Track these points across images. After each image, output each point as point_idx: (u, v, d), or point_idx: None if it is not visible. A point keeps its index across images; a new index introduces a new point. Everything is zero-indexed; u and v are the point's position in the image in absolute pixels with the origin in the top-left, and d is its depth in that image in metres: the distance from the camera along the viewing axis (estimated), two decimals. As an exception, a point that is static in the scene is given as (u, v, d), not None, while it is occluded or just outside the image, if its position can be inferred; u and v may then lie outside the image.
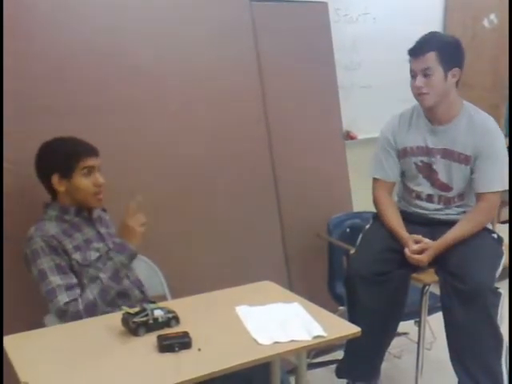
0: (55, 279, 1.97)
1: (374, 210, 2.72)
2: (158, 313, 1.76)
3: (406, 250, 2.46)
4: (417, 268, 2.51)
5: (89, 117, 2.44)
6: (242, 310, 1.89)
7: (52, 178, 2.08)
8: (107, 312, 1.98)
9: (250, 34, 2.94)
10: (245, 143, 2.91)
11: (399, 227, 2.54)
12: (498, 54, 4.23)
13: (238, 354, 1.64)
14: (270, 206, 3.02)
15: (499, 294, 2.34)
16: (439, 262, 2.46)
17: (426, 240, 2.46)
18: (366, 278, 2.44)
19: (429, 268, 2.52)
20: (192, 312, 1.87)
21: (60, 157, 2.08)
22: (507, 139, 2.77)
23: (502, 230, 3.15)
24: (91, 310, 1.96)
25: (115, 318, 1.79)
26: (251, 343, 1.69)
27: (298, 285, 2.96)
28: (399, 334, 2.95)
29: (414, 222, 2.62)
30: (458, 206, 2.61)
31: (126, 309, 1.77)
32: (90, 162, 2.09)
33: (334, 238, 3.00)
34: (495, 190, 2.48)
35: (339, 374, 2.68)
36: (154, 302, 1.88)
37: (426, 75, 2.42)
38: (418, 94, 2.47)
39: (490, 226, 2.61)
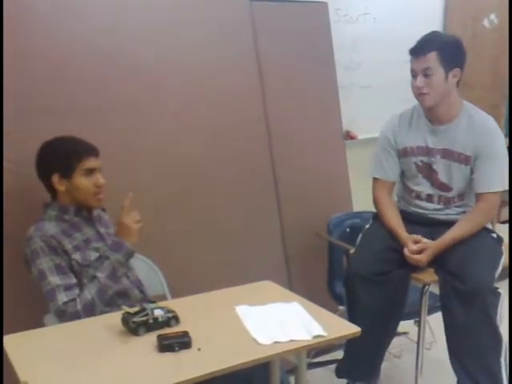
0: (54, 279, 1.97)
1: (373, 209, 2.73)
2: (157, 312, 1.76)
3: (405, 250, 2.46)
4: (416, 268, 2.51)
5: (89, 117, 2.44)
6: (242, 310, 1.89)
7: (52, 178, 2.08)
8: (106, 312, 1.98)
9: (250, 33, 2.94)
10: (245, 143, 2.91)
11: (399, 227, 2.54)
12: (498, 54, 4.23)
13: (237, 354, 1.64)
14: (270, 205, 3.02)
15: (498, 294, 2.34)
16: (439, 261, 2.46)
17: (425, 240, 2.47)
18: (365, 277, 2.44)
19: (428, 268, 2.52)
20: (192, 312, 1.87)
21: (60, 156, 2.08)
22: (507, 139, 2.76)
23: (502, 230, 3.15)
24: (89, 310, 1.96)
25: (115, 318, 1.79)
26: (251, 343, 1.69)
27: (298, 284, 2.97)
28: (399, 334, 2.95)
29: (414, 221, 2.62)
30: (457, 206, 2.61)
31: (125, 308, 1.77)
32: (91, 162, 2.09)
33: (333, 238, 3.00)
34: (495, 190, 2.48)
35: (339, 373, 2.68)
36: (153, 302, 1.88)
37: (426, 75, 2.42)
38: (419, 94, 2.47)
39: (489, 226, 2.61)
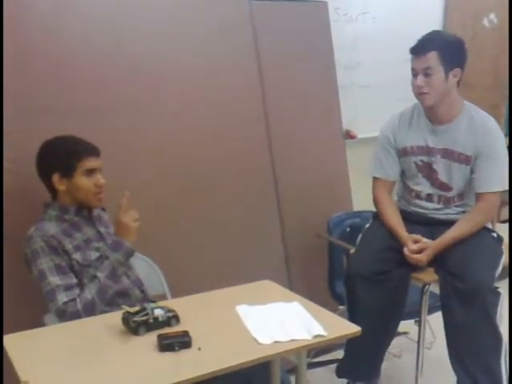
0: (54, 280, 1.97)
1: (373, 209, 2.73)
2: (158, 312, 1.76)
3: (405, 250, 2.46)
4: (417, 267, 2.51)
5: (89, 117, 2.44)
6: (242, 310, 1.89)
7: (53, 177, 2.08)
8: (107, 311, 1.98)
9: (250, 33, 2.94)
10: (245, 143, 2.91)
11: (399, 227, 2.54)
12: (498, 54, 4.23)
13: (237, 354, 1.64)
14: (270, 205, 3.02)
15: (498, 294, 2.34)
16: (439, 261, 2.46)
17: (425, 240, 2.47)
18: (366, 277, 2.44)
19: (428, 267, 2.52)
20: (192, 311, 1.87)
21: (61, 156, 2.08)
22: (507, 139, 2.76)
23: (502, 230, 3.15)
24: (90, 310, 1.96)
25: (115, 318, 1.79)
26: (251, 342, 1.69)
27: (298, 284, 2.97)
28: (399, 334, 2.95)
29: (414, 221, 2.62)
30: (457, 206, 2.61)
31: (126, 308, 1.77)
32: (92, 162, 2.09)
33: (334, 238, 3.00)
34: (495, 190, 2.48)
35: (339, 373, 2.68)
36: (154, 302, 1.88)
37: (426, 74, 2.42)
38: (419, 94, 2.47)
39: (489, 226, 2.61)
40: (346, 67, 3.57)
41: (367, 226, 2.73)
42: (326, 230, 3.04)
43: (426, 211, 2.64)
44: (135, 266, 2.27)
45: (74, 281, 2.01)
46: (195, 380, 1.53)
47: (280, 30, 3.06)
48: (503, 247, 2.56)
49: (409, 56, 2.47)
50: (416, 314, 2.67)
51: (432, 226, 2.58)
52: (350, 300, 2.53)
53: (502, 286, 2.39)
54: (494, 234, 2.57)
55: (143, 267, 2.38)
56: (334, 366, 2.76)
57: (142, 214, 2.41)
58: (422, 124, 2.59)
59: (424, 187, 2.62)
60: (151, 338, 1.68)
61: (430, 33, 2.48)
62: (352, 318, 2.32)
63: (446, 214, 2.61)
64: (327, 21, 3.26)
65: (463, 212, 2.59)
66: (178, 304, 1.88)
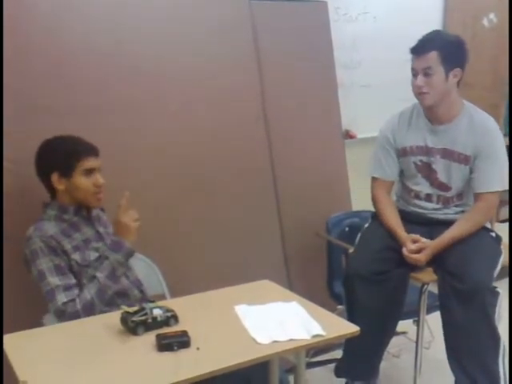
0: (54, 280, 1.98)
1: (372, 209, 2.73)
2: (156, 312, 1.76)
3: (404, 250, 2.46)
4: (415, 267, 2.51)
5: (89, 117, 2.45)
6: (241, 309, 1.90)
7: (52, 177, 2.08)
8: (106, 311, 1.99)
9: (250, 33, 2.94)
10: (244, 143, 2.91)
11: (397, 226, 2.55)
12: (498, 54, 4.23)
13: (236, 353, 1.64)
14: (270, 205, 3.02)
15: (497, 294, 2.35)
16: (438, 261, 2.47)
17: (424, 239, 2.47)
18: (364, 277, 2.44)
19: (427, 267, 2.53)
20: (191, 311, 1.87)
21: (60, 155, 2.08)
22: (507, 139, 2.77)
23: (502, 230, 3.15)
24: (89, 310, 1.97)
25: (114, 317, 1.79)
26: (250, 342, 1.70)
27: (297, 284, 2.97)
28: (398, 334, 2.95)
29: (413, 221, 2.62)
30: (456, 206, 2.61)
31: (124, 308, 1.77)
32: (91, 162, 2.09)
33: (333, 237, 3.01)
34: (494, 190, 2.49)
35: (338, 373, 2.68)
36: (152, 301, 1.89)
37: (426, 74, 2.42)
38: (419, 93, 2.47)
39: (488, 225, 2.61)
40: (346, 67, 3.57)
41: (366, 225, 2.74)
42: (325, 230, 3.05)
43: (425, 211, 2.64)
44: (134, 265, 2.28)
45: (73, 281, 2.02)
46: (194, 380, 1.53)
47: (280, 29, 3.06)
48: (502, 247, 2.56)
49: (409, 56, 2.47)
50: (415, 314, 2.67)
51: (431, 226, 2.59)
52: (349, 300, 2.54)
53: (501, 286, 2.40)
54: (493, 234, 2.57)
55: (142, 267, 2.38)
56: (332, 365, 2.76)
57: (141, 214, 2.41)
58: (421, 124, 2.59)
59: (423, 187, 2.63)
60: (150, 337, 1.69)
61: (431, 33, 2.48)
62: (351, 318, 2.33)
63: (445, 213, 2.61)
64: (327, 21, 3.26)
65: (462, 212, 2.59)
66: (176, 304, 1.89)
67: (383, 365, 2.71)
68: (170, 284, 2.43)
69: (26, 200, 2.27)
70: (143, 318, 1.74)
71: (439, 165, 2.57)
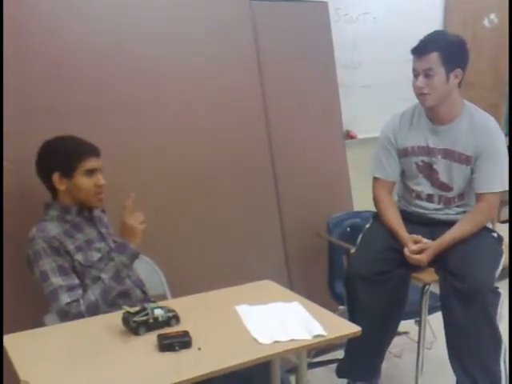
0: (57, 280, 1.97)
1: (374, 209, 2.72)
2: (158, 312, 1.76)
3: (406, 250, 2.46)
4: (417, 267, 2.50)
5: (89, 117, 2.44)
6: (242, 309, 1.89)
7: (53, 177, 2.07)
8: (108, 312, 1.98)
9: (250, 33, 2.94)
10: (245, 143, 2.91)
11: (399, 227, 2.54)
12: (498, 54, 4.24)
13: (238, 354, 1.64)
14: (270, 205, 3.02)
15: (499, 294, 2.34)
16: (439, 261, 2.46)
17: (425, 240, 2.46)
18: (366, 277, 2.44)
19: (429, 267, 2.52)
20: (192, 311, 1.87)
21: (61, 155, 2.07)
22: (507, 138, 2.76)
23: (502, 230, 3.14)
24: (93, 311, 1.96)
25: (115, 318, 1.79)
26: (251, 342, 1.69)
27: (298, 284, 2.97)
28: (399, 334, 2.94)
29: (414, 221, 2.61)
30: (458, 206, 2.60)
31: (126, 308, 1.77)
32: (92, 162, 2.09)
33: (334, 238, 3.00)
34: (495, 190, 2.48)
35: (340, 373, 2.68)
36: (154, 302, 1.88)
37: (427, 75, 2.41)
38: (419, 94, 2.47)
39: (490, 226, 2.61)
40: (347, 67, 3.57)
41: (367, 226, 2.73)
42: (326, 230, 3.04)
43: (427, 211, 2.64)
44: (136, 266, 2.27)
45: (77, 281, 2.01)
46: (195, 380, 1.53)
47: (280, 30, 3.06)
48: (503, 247, 2.56)
49: (409, 56, 2.47)
50: (416, 314, 2.67)
51: (432, 227, 2.58)
52: (350, 300, 2.53)
53: (502, 287, 2.39)
54: (495, 234, 2.57)
55: (143, 267, 2.38)
56: (334, 365, 2.75)
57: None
58: (422, 124, 2.59)
59: (424, 187, 2.62)
60: (151, 337, 1.68)
61: (432, 33, 2.47)
62: (352, 318, 2.32)
63: (447, 214, 2.61)
64: (327, 21, 3.26)
65: (464, 212, 2.59)
66: (178, 304, 1.88)
67: (385, 365, 2.71)
68: (170, 284, 2.42)
69: (26, 200, 2.27)
70: (145, 318, 1.73)
71: (440, 165, 2.56)
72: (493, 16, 4.20)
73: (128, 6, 2.59)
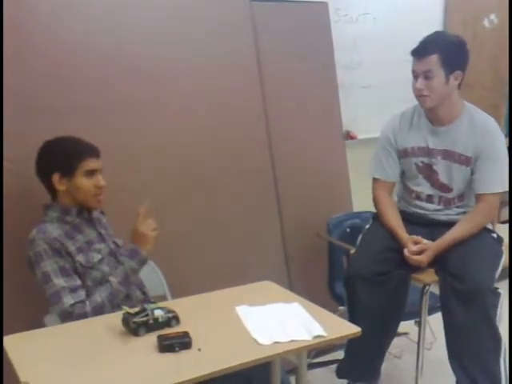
0: (59, 282, 1.96)
1: (373, 209, 2.72)
2: (158, 313, 1.76)
3: (405, 251, 2.46)
4: (417, 268, 2.50)
5: (89, 117, 2.44)
6: (242, 310, 1.89)
7: (52, 177, 2.07)
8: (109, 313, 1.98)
9: (250, 33, 2.94)
10: (245, 143, 2.91)
11: (399, 227, 2.54)
12: (498, 54, 4.24)
13: (238, 354, 1.64)
14: (270, 205, 3.02)
15: (498, 294, 2.34)
16: (439, 261, 2.46)
17: (425, 241, 2.46)
18: (365, 277, 2.44)
19: (429, 268, 2.52)
20: (192, 312, 1.87)
21: (62, 155, 2.07)
22: (507, 139, 2.76)
23: (502, 230, 3.14)
24: (98, 313, 1.95)
25: (115, 318, 1.79)
26: (251, 343, 1.69)
27: (298, 285, 2.97)
28: (399, 334, 2.95)
29: (414, 222, 2.62)
30: (458, 207, 2.60)
31: (126, 309, 1.76)
32: (92, 163, 2.09)
33: (333, 238, 3.00)
34: (495, 191, 2.48)
35: (340, 374, 2.68)
36: (154, 302, 1.88)
37: (427, 77, 2.41)
38: (419, 96, 2.47)
39: (490, 226, 2.60)
40: (347, 67, 3.57)
41: (367, 226, 2.73)
42: (326, 231, 3.04)
43: (427, 212, 2.63)
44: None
45: (79, 282, 2.01)
46: (195, 381, 1.53)
47: (280, 30, 3.06)
48: (503, 248, 2.56)
49: (409, 56, 2.46)
50: (416, 315, 2.67)
51: (432, 227, 2.58)
52: (350, 301, 2.53)
53: (502, 287, 2.39)
54: (494, 235, 2.57)
55: (143, 268, 2.36)
56: (334, 366, 2.76)
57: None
58: (422, 125, 2.59)
59: (424, 188, 2.62)
60: (151, 338, 1.68)
61: (432, 34, 2.46)
62: (352, 319, 2.32)
63: (447, 214, 2.61)
64: (327, 21, 3.26)
65: (464, 213, 2.59)
66: (178, 305, 1.88)
67: (385, 365, 2.71)
68: (169, 285, 2.42)
69: (27, 200, 2.27)
70: (144, 318, 1.73)
71: (440, 166, 2.56)
72: (493, 16, 4.20)
73: (128, 5, 2.59)
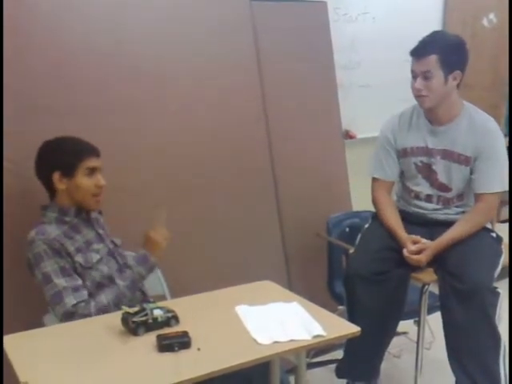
0: (60, 282, 1.96)
1: (373, 209, 2.73)
2: (157, 312, 1.76)
3: (405, 251, 2.46)
4: (416, 267, 2.51)
5: (89, 117, 2.44)
6: (242, 310, 1.89)
7: (53, 176, 2.07)
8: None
9: (250, 33, 2.94)
10: (245, 143, 2.91)
11: (398, 227, 2.54)
12: (498, 54, 4.23)
13: (237, 354, 1.64)
14: (270, 205, 3.02)
15: (497, 294, 2.35)
16: (438, 261, 2.46)
17: (424, 240, 2.47)
18: (365, 277, 2.44)
19: (428, 267, 2.52)
20: (191, 311, 1.87)
21: (62, 155, 2.07)
22: (507, 139, 2.76)
23: (502, 230, 3.15)
24: (102, 313, 1.95)
25: (115, 318, 1.79)
26: (251, 343, 1.69)
27: (298, 284, 2.97)
28: (398, 334, 2.94)
29: (413, 222, 2.62)
30: (457, 207, 2.61)
31: (125, 308, 1.77)
32: (93, 162, 2.09)
33: (333, 238, 3.00)
34: (494, 191, 2.48)
35: (339, 373, 2.68)
36: (153, 302, 1.88)
37: (426, 78, 2.41)
38: (418, 96, 2.47)
39: (489, 226, 2.61)
40: (346, 67, 3.57)
41: (366, 226, 2.73)
42: (326, 230, 3.04)
43: (426, 212, 2.64)
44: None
45: (80, 282, 2.00)
46: (195, 380, 1.53)
47: (280, 30, 3.06)
48: (502, 247, 2.56)
49: (408, 56, 2.46)
50: (415, 314, 2.67)
51: (431, 227, 2.58)
52: (350, 300, 2.53)
53: (502, 286, 2.39)
54: (494, 234, 2.57)
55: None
56: (333, 366, 2.76)
57: (141, 214, 2.42)
58: (421, 125, 2.59)
59: (423, 188, 2.62)
60: (150, 338, 1.68)
61: (431, 34, 2.45)
62: (351, 318, 2.32)
63: (446, 214, 2.61)
64: (327, 21, 3.26)
65: (463, 212, 2.59)
66: (177, 304, 1.88)
67: (384, 365, 2.71)
68: (169, 284, 2.42)
69: (26, 200, 2.26)
70: (144, 318, 1.74)
71: (439, 166, 2.56)
72: (492, 16, 4.20)
73: (128, 5, 2.59)
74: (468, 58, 2.46)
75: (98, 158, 2.12)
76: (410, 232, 2.52)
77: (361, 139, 3.59)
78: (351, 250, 2.70)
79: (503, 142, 2.53)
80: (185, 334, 1.68)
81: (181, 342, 1.64)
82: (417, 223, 2.61)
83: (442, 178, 2.57)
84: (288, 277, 3.07)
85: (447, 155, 2.53)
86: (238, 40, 2.90)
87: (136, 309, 1.76)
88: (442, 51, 2.38)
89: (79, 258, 2.04)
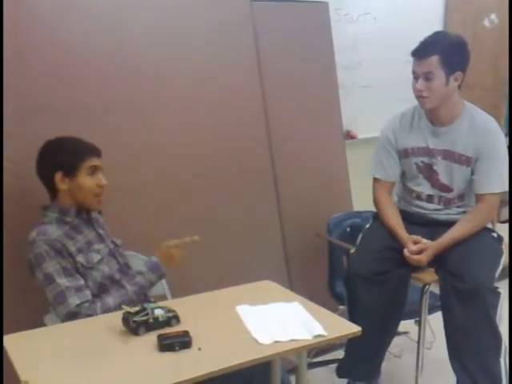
0: (63, 282, 1.95)
1: (373, 209, 2.73)
2: (158, 312, 1.76)
3: (405, 251, 2.46)
4: (417, 267, 2.50)
5: (89, 117, 2.44)
6: (243, 310, 1.89)
7: (55, 176, 2.06)
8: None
9: (251, 33, 2.94)
10: (245, 143, 2.91)
11: (399, 227, 2.54)
12: (498, 54, 4.24)
13: (238, 354, 1.64)
14: (270, 205, 3.02)
15: (498, 294, 2.34)
16: (439, 261, 2.46)
17: (425, 240, 2.46)
18: (365, 277, 2.44)
19: (429, 267, 2.52)
20: (192, 311, 1.87)
21: (64, 154, 2.07)
22: (507, 139, 2.76)
23: (502, 230, 3.14)
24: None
25: (115, 318, 1.79)
26: (251, 343, 1.69)
27: (298, 284, 2.97)
28: (399, 334, 2.94)
29: (414, 222, 2.62)
30: (458, 207, 2.60)
31: (126, 308, 1.76)
32: (94, 161, 2.09)
33: (334, 238, 3.00)
34: (495, 191, 2.48)
35: (340, 373, 2.68)
36: (154, 302, 1.88)
37: (427, 79, 2.40)
38: (419, 97, 2.47)
39: (490, 226, 2.60)
40: (347, 67, 3.57)
41: (367, 226, 2.73)
42: (326, 230, 3.04)
43: (427, 212, 2.63)
44: (135, 266, 2.27)
45: (82, 282, 2.00)
46: (195, 380, 1.53)
47: (281, 30, 3.06)
48: (503, 247, 2.56)
49: (409, 56, 2.46)
50: (416, 314, 2.67)
51: (432, 227, 2.58)
52: (350, 300, 2.53)
53: (502, 286, 2.39)
54: (494, 234, 2.57)
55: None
56: (334, 365, 2.76)
57: (141, 214, 2.42)
58: (422, 125, 2.59)
59: (424, 188, 2.62)
60: (151, 338, 1.68)
61: (432, 35, 2.45)
62: (352, 318, 2.32)
63: (447, 214, 2.61)
64: (328, 21, 3.26)
65: (464, 212, 2.59)
66: (178, 304, 1.88)
67: (385, 365, 2.71)
68: (170, 284, 2.42)
69: (27, 200, 2.26)
70: (145, 318, 1.73)
71: (440, 166, 2.56)
72: (493, 16, 4.20)
73: (128, 5, 2.59)
74: (469, 58, 2.46)
75: (99, 157, 2.12)
76: (410, 232, 2.52)
77: (361, 139, 3.59)
78: (352, 250, 2.69)
79: (504, 142, 2.53)
80: (185, 333, 1.68)
81: (181, 342, 1.64)
82: (418, 223, 2.61)
83: (443, 178, 2.57)
84: (288, 277, 3.07)
85: (448, 156, 2.53)
86: (238, 40, 2.90)
87: (137, 308, 1.76)
88: (444, 52, 2.37)
89: (81, 259, 2.04)
